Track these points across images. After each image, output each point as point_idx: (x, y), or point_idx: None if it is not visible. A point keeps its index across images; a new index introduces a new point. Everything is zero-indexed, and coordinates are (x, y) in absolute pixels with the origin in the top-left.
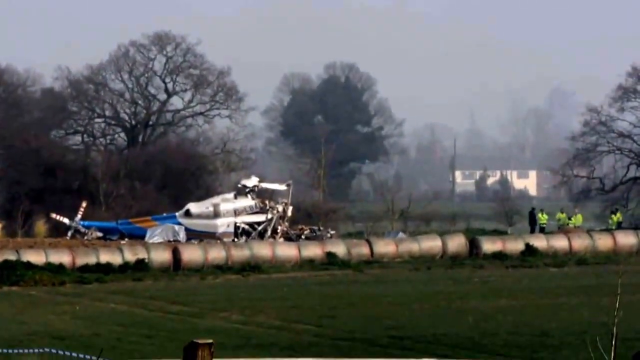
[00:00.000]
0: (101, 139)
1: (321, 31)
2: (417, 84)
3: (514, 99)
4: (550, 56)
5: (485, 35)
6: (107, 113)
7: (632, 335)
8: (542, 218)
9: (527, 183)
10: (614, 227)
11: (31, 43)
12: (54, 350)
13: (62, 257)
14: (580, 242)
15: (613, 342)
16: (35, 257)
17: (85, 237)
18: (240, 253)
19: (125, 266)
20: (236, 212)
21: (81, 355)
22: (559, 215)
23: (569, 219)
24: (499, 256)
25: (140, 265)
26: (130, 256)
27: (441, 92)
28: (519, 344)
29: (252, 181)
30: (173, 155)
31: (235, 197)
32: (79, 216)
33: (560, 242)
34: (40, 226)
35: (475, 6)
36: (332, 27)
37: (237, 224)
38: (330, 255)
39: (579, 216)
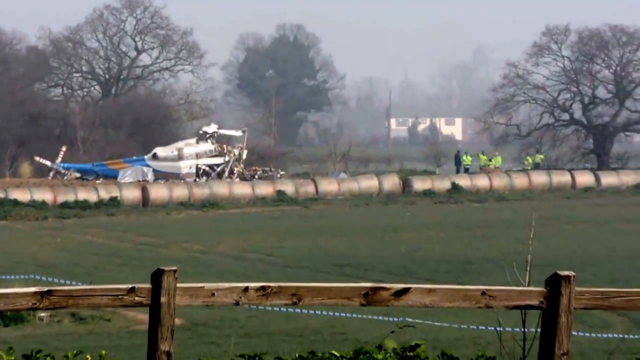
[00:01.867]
0: (79, 92)
1: None
2: (358, 43)
3: (443, 56)
4: (475, 19)
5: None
6: (84, 68)
7: (544, 262)
8: (467, 160)
9: (454, 129)
10: (529, 168)
11: (17, 5)
12: (37, 277)
13: (44, 195)
14: (499, 181)
15: (528, 268)
16: (21, 195)
17: (65, 178)
18: (201, 191)
19: (100, 203)
20: (197, 155)
21: (62, 281)
22: (481, 157)
23: (490, 160)
24: (428, 193)
25: (113, 202)
26: (104, 194)
27: (379, 50)
28: (446, 270)
29: (211, 128)
30: (142, 105)
31: (197, 142)
32: (59, 159)
33: (482, 181)
34: (25, 168)
35: None
36: None
37: (199, 166)
38: (280, 193)
39: (499, 158)
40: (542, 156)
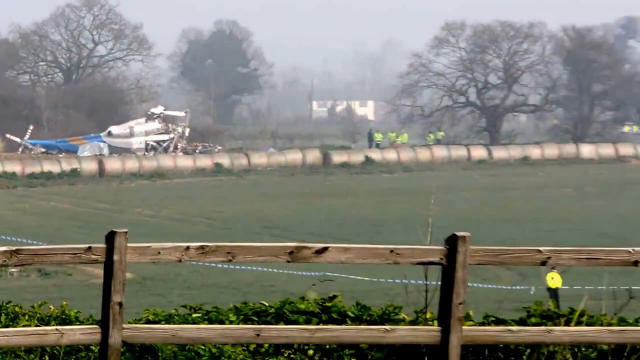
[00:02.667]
0: (44, 78)
1: None
2: (285, 36)
3: (357, 47)
4: (385, 13)
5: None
6: (49, 58)
7: (444, 225)
8: (378, 137)
9: (367, 110)
10: (431, 143)
11: None
12: (7, 238)
13: (14, 167)
14: (406, 155)
15: (429, 230)
16: None
17: (32, 152)
18: (150, 164)
19: (62, 174)
20: (146, 133)
21: (29, 241)
22: (390, 134)
23: (397, 137)
24: (345, 165)
25: (74, 173)
26: (66, 166)
27: (303, 42)
28: (360, 231)
29: (158, 109)
30: (98, 90)
31: (146, 122)
32: (27, 136)
33: (391, 155)
34: None
35: None
36: None
37: (147, 142)
38: (217, 165)
39: (405, 135)
40: (442, 133)
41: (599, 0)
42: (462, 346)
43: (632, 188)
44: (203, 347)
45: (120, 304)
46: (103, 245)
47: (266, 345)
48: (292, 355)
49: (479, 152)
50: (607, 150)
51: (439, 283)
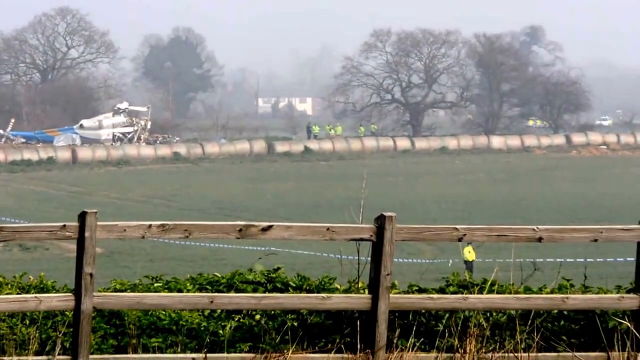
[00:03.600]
0: (23, 77)
1: (169, 4)
2: (235, 41)
3: (297, 52)
4: (325, 21)
5: (281, 9)
6: (27, 60)
7: (373, 206)
8: (315, 129)
9: (306, 106)
10: (362, 135)
11: None
12: None
13: None
14: (340, 145)
15: (361, 210)
16: None
17: (14, 142)
18: (116, 152)
19: (40, 161)
20: (113, 126)
21: (11, 220)
22: (327, 127)
23: (332, 130)
24: (287, 154)
25: (50, 161)
26: (43, 155)
27: (251, 45)
28: (300, 212)
29: (123, 105)
30: (71, 88)
31: (113, 116)
32: (9, 128)
33: (327, 145)
34: None
35: None
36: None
37: (114, 133)
38: (175, 154)
39: (339, 128)
40: (374, 126)
41: (507, 11)
42: (389, 311)
43: (536, 175)
44: (164, 312)
45: (91, 275)
46: (76, 224)
47: (219, 311)
48: (241, 320)
49: (403, 143)
50: (514, 141)
51: (369, 257)
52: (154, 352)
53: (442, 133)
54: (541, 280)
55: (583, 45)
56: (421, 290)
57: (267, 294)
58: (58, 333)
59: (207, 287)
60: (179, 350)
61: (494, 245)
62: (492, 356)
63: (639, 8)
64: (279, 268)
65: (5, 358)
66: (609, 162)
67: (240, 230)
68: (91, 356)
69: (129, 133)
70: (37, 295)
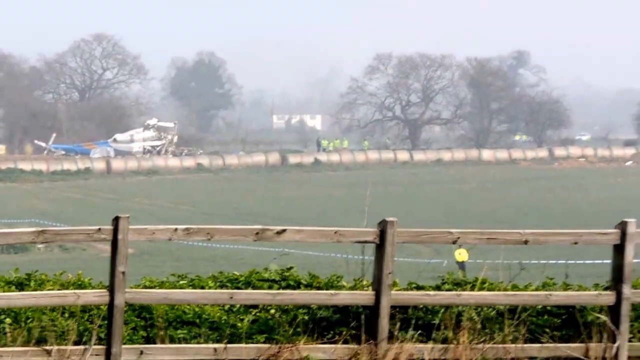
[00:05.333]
0: (64, 96)
1: (194, 31)
2: (254, 64)
3: (307, 72)
4: (333, 46)
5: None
6: (67, 81)
7: (377, 211)
8: (324, 143)
9: (315, 122)
10: (366, 149)
11: (19, 34)
12: (37, 220)
13: (41, 166)
14: (346, 157)
15: (366, 215)
16: (25, 166)
17: (55, 154)
18: (146, 163)
19: (78, 171)
20: (144, 139)
21: (53, 224)
22: (334, 141)
23: (340, 143)
24: (299, 165)
25: (87, 171)
26: (81, 165)
27: (266, 68)
28: (311, 217)
29: (153, 121)
30: (106, 106)
31: (143, 131)
32: (51, 141)
33: (334, 157)
34: (28, 148)
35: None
36: (200, 26)
37: (144, 146)
38: (199, 165)
39: (346, 142)
40: (389, 140)
41: (496, 37)
42: (390, 306)
43: (522, 184)
44: (188, 307)
45: (123, 273)
46: (110, 227)
47: (238, 306)
48: (258, 314)
49: (403, 155)
50: (502, 154)
51: (373, 257)
52: (180, 342)
53: (438, 147)
54: (527, 278)
55: (564, 68)
56: (419, 288)
57: (281, 291)
58: (94, 325)
59: (227, 284)
60: (202, 341)
61: (484, 248)
62: (483, 347)
63: (614, 34)
64: (291, 267)
65: (46, 347)
66: (587, 173)
67: (257, 233)
68: (123, 346)
69: (157, 146)
70: (76, 291)
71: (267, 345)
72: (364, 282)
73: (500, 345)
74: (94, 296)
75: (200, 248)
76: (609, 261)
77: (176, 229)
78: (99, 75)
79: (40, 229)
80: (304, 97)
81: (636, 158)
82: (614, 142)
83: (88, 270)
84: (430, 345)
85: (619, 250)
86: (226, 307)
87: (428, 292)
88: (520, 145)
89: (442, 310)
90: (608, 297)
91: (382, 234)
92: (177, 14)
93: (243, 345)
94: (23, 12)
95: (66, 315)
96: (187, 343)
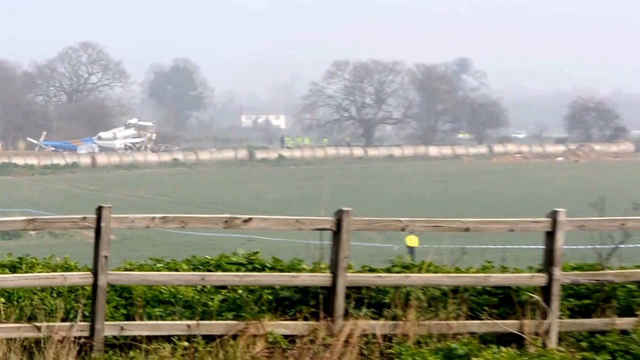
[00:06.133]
0: (53, 98)
1: (171, 39)
2: (224, 69)
3: (272, 77)
4: (296, 53)
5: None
6: (56, 84)
7: (334, 202)
8: (287, 140)
9: (280, 122)
10: (325, 145)
11: (11, 41)
12: (28, 210)
13: (32, 161)
14: (307, 153)
15: (324, 205)
16: (19, 160)
17: (45, 150)
18: (128, 159)
19: (66, 165)
20: (125, 137)
21: (43, 213)
22: (297, 138)
23: (301, 140)
24: (265, 160)
25: (74, 165)
26: (69, 160)
27: (236, 71)
28: (275, 207)
29: (133, 120)
30: (91, 107)
31: (125, 129)
32: (42, 139)
33: (296, 153)
34: (21, 144)
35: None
36: (175, 33)
37: (126, 143)
38: (175, 159)
39: (307, 139)
40: (348, 137)
41: (441, 45)
42: (346, 287)
43: (464, 177)
44: (164, 287)
45: (106, 257)
46: (94, 216)
47: (209, 286)
48: (227, 294)
49: (358, 152)
50: (446, 150)
51: (330, 243)
52: (156, 319)
53: (389, 144)
54: (468, 262)
55: (504, 73)
56: (372, 270)
57: (247, 273)
58: (80, 304)
59: (200, 267)
60: (176, 318)
61: (431, 234)
62: (428, 324)
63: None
64: (257, 252)
65: (37, 324)
66: (523, 167)
67: (226, 222)
68: (106, 322)
69: (137, 143)
70: (63, 273)
71: (235, 322)
72: (322, 265)
73: (444, 322)
74: (80, 278)
75: (176, 235)
76: (541, 246)
77: (154, 218)
78: (85, 79)
79: (31, 217)
80: (270, 99)
81: (566, 154)
82: (546, 139)
83: (75, 255)
84: (381, 321)
85: (550, 236)
86: (198, 288)
87: (380, 274)
88: (462, 143)
89: (392, 290)
90: (540, 279)
91: (339, 222)
92: (156, 25)
93: (213, 322)
94: (16, 23)
95: (54, 295)
96: (163, 320)
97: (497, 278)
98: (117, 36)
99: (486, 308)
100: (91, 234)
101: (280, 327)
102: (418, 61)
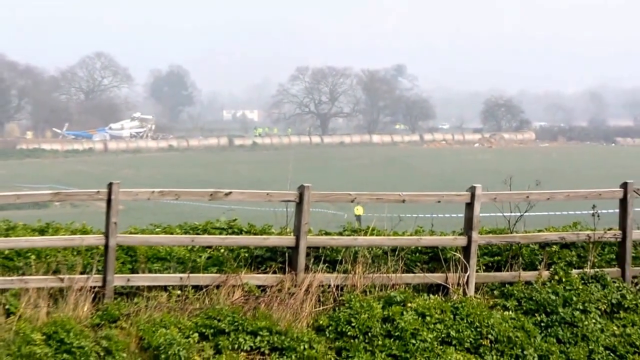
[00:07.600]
0: (74, 97)
1: (166, 48)
2: (212, 74)
3: (247, 79)
4: (267, 60)
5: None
6: (76, 86)
7: (297, 180)
8: (259, 130)
9: (254, 116)
10: (289, 135)
11: (37, 50)
12: (54, 185)
13: (57, 146)
14: (275, 141)
15: (289, 182)
16: (46, 146)
17: (67, 138)
18: (133, 145)
19: (84, 150)
20: (131, 127)
21: (66, 187)
22: (266, 128)
23: (271, 130)
24: (242, 147)
25: (91, 150)
26: (86, 146)
27: (220, 76)
28: (251, 184)
29: (137, 114)
30: (104, 103)
31: (130, 121)
32: (65, 129)
33: (267, 141)
34: (48, 133)
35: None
36: (172, 45)
37: (131, 132)
38: (170, 146)
39: (275, 129)
40: (309, 128)
41: (382, 53)
42: (307, 247)
43: (400, 160)
44: (162, 247)
45: (115, 223)
46: (106, 190)
47: (197, 246)
48: (212, 252)
49: (316, 139)
50: (386, 138)
51: (294, 212)
52: (155, 273)
53: (341, 133)
54: (404, 227)
55: (432, 76)
56: (327, 234)
57: (228, 236)
58: (94, 260)
59: (190, 231)
60: (171, 272)
61: (374, 205)
62: (372, 276)
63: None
64: (236, 219)
65: (60, 276)
66: (447, 152)
67: (211, 194)
68: (115, 275)
69: (140, 132)
70: (81, 235)
71: (218, 275)
72: (288, 230)
73: (385, 275)
74: (94, 239)
75: (171, 205)
76: (462, 215)
77: (153, 192)
78: (99, 81)
79: (56, 191)
80: (246, 97)
81: (481, 141)
82: (466, 130)
83: (90, 221)
84: (335, 274)
85: (469, 207)
86: (189, 248)
87: (333, 237)
88: (399, 132)
89: (343, 250)
90: (462, 240)
91: (301, 196)
92: (156, 37)
93: (201, 274)
94: (44, 36)
95: (75, 253)
96: (160, 273)
97: (427, 240)
98: (124, 47)
99: (418, 264)
100: (103, 204)
101: (254, 279)
102: (364, 67)
